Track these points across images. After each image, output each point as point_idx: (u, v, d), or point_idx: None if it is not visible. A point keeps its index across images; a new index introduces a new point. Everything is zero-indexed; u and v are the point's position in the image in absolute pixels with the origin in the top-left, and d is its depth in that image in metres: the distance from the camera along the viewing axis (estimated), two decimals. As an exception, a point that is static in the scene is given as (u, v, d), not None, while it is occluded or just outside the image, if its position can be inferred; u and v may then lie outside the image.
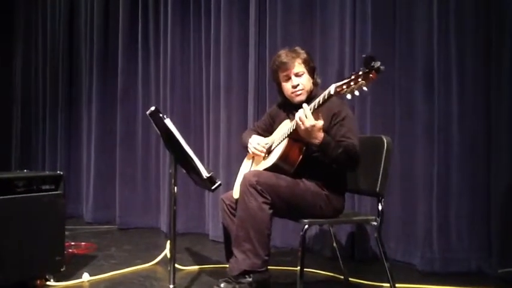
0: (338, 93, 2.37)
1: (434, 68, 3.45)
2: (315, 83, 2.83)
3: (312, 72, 2.82)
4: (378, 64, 2.24)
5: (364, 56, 2.32)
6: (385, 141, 2.73)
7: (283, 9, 4.21)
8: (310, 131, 2.49)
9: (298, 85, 2.76)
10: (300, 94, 2.77)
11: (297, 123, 2.51)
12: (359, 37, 3.79)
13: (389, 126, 3.69)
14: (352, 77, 2.31)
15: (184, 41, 4.98)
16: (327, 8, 4.02)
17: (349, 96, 2.35)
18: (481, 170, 3.36)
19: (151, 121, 2.71)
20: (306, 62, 2.78)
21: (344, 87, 2.33)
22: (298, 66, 2.77)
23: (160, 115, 2.59)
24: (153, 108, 2.63)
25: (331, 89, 2.38)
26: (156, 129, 2.78)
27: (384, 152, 2.71)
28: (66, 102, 6.07)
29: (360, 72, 2.29)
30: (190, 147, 2.59)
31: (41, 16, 6.53)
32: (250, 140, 2.96)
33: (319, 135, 2.51)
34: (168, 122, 2.57)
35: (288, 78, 2.79)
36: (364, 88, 2.31)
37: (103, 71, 5.63)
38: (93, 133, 5.61)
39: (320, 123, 2.49)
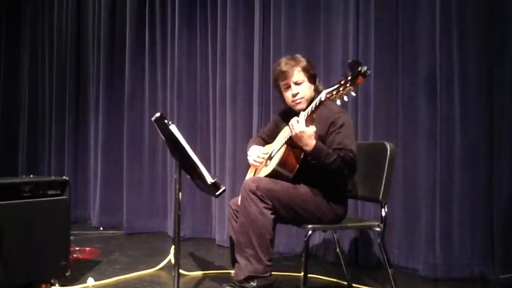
0: (328, 99, 2.41)
1: (436, 74, 3.46)
2: (316, 90, 2.79)
3: (312, 79, 2.79)
4: (364, 69, 2.27)
5: (349, 61, 2.34)
6: (388, 147, 2.74)
7: (287, 16, 4.24)
8: (300, 136, 2.51)
9: (297, 94, 2.75)
10: (299, 102, 2.76)
11: (290, 130, 2.55)
12: (362, 44, 3.81)
13: (392, 132, 3.71)
14: (341, 82, 2.35)
15: (191, 48, 5.02)
16: (331, 15, 4.05)
17: (338, 102, 2.39)
18: (484, 176, 3.37)
19: (157, 127, 2.74)
20: (305, 70, 2.75)
21: (334, 93, 2.37)
22: (298, 75, 2.75)
23: (166, 121, 2.61)
24: (158, 114, 2.64)
25: (322, 95, 2.44)
26: (161, 135, 2.81)
27: (387, 158, 2.72)
28: (73, 108, 6.13)
29: (348, 78, 2.32)
30: (197, 154, 2.62)
31: (48, 22, 6.59)
32: (249, 152, 2.99)
33: (309, 142, 2.52)
34: (173, 128, 2.59)
35: (288, 87, 2.77)
36: (352, 93, 2.35)
37: (110, 77, 5.68)
38: (100, 138, 5.65)
39: (310, 130, 2.51)
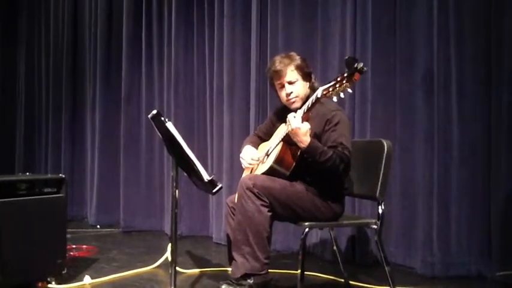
0: (325, 96, 2.42)
1: (434, 72, 3.46)
2: (311, 87, 2.78)
3: (307, 77, 2.78)
4: (360, 65, 2.28)
5: (346, 58, 2.35)
6: (385, 145, 2.74)
7: (284, 14, 4.24)
8: (295, 133, 2.51)
9: (291, 93, 2.74)
10: (294, 102, 2.75)
11: (286, 125, 2.56)
12: (360, 43, 3.80)
13: (390, 130, 3.70)
14: (338, 79, 2.36)
15: (188, 46, 5.02)
16: (328, 14, 4.04)
17: (335, 99, 2.40)
18: (481, 175, 3.37)
19: (153, 125, 2.73)
20: (299, 68, 2.74)
21: (330, 89, 2.38)
22: (291, 74, 2.73)
23: (162, 118, 2.61)
24: (154, 111, 2.64)
25: (318, 92, 2.45)
26: (158, 132, 2.80)
27: (384, 155, 2.72)
28: (69, 106, 6.12)
29: (345, 75, 2.33)
30: (194, 152, 2.61)
31: (45, 21, 6.58)
32: (242, 155, 2.96)
33: (304, 139, 2.53)
34: (169, 125, 2.59)
35: (282, 86, 2.77)
36: (349, 90, 2.36)
37: (107, 76, 5.66)
38: (97, 136, 5.64)
39: (305, 127, 2.51)
